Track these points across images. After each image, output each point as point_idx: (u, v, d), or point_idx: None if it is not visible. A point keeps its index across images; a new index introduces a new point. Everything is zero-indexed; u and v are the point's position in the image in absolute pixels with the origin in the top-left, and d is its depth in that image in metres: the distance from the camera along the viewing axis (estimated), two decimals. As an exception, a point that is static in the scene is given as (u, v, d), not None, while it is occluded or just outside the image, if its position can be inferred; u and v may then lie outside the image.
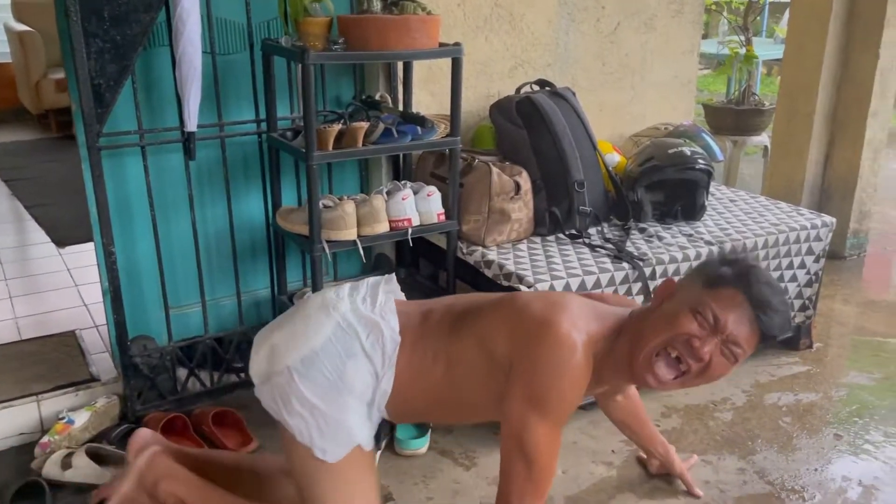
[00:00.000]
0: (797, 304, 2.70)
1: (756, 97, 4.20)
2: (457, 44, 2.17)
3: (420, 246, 2.50)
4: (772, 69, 8.97)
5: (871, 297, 3.37)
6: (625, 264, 2.25)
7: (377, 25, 2.03)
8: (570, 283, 2.14)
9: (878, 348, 2.88)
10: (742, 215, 2.70)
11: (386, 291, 1.60)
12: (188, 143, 2.09)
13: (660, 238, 2.46)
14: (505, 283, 2.19)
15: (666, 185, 2.63)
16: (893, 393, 2.56)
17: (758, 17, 8.50)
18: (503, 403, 1.43)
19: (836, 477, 2.09)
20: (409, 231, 2.22)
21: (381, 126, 2.13)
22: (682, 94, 3.21)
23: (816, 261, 2.68)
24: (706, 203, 2.63)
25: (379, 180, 2.57)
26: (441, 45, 2.18)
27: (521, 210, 2.38)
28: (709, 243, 2.42)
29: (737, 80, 4.17)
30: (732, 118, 4.14)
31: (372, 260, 2.67)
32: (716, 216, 2.68)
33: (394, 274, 1.72)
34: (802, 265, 2.65)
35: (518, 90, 2.63)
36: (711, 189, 3.01)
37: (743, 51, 4.06)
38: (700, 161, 2.52)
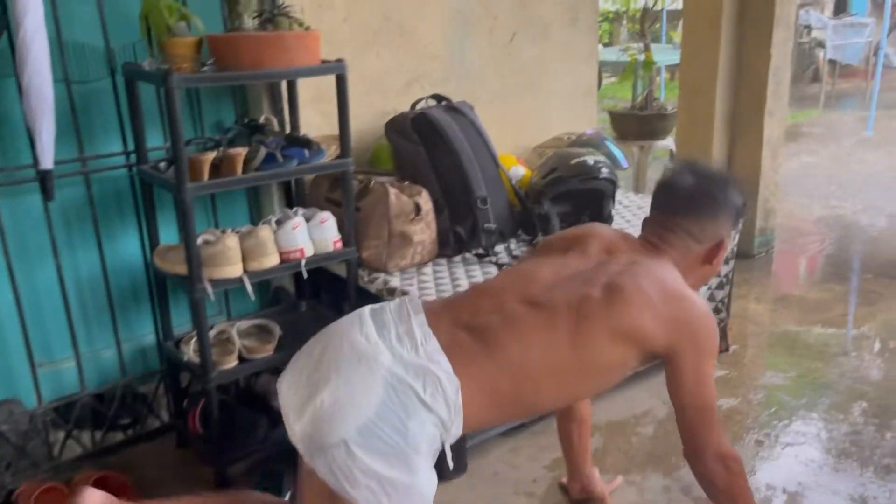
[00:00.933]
0: (710, 307, 2.67)
1: (658, 102, 4.23)
2: (339, 60, 2.03)
3: (320, 276, 2.34)
4: (674, 74, 9.25)
5: (782, 292, 3.40)
6: (534, 282, 2.15)
7: (250, 44, 1.87)
8: (478, 305, 2.03)
9: (792, 345, 2.89)
10: (650, 222, 2.66)
11: (419, 324, 1.41)
12: (44, 181, 1.87)
13: (569, 251, 2.38)
14: (409, 311, 2.05)
15: (571, 197, 2.56)
16: (808, 388, 2.55)
17: (657, 24, 8.77)
18: (674, 380, 1.46)
19: (760, 486, 2.03)
20: (303, 262, 2.06)
21: (263, 151, 1.96)
22: (585, 103, 3.17)
23: (726, 262, 2.65)
24: (613, 212, 2.57)
25: (271, 209, 2.40)
26: (323, 61, 2.04)
27: (424, 232, 2.26)
28: (618, 253, 2.36)
29: (640, 86, 4.20)
30: (637, 124, 4.16)
31: (269, 294, 2.49)
32: (624, 224, 2.63)
33: (411, 297, 1.53)
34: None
35: (413, 106, 2.51)
36: (620, 197, 2.98)
37: (642, 57, 4.08)
38: (604, 170, 2.46)
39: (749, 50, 3.54)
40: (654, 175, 5.06)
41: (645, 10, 4.15)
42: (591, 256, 1.54)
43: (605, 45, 9.59)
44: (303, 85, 2.31)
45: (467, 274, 2.22)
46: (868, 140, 6.34)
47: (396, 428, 1.29)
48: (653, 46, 4.55)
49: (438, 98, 2.53)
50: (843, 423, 2.33)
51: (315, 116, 2.40)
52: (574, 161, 2.47)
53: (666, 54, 5.95)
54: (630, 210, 2.81)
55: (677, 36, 4.47)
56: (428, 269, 2.26)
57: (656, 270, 1.48)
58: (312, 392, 1.34)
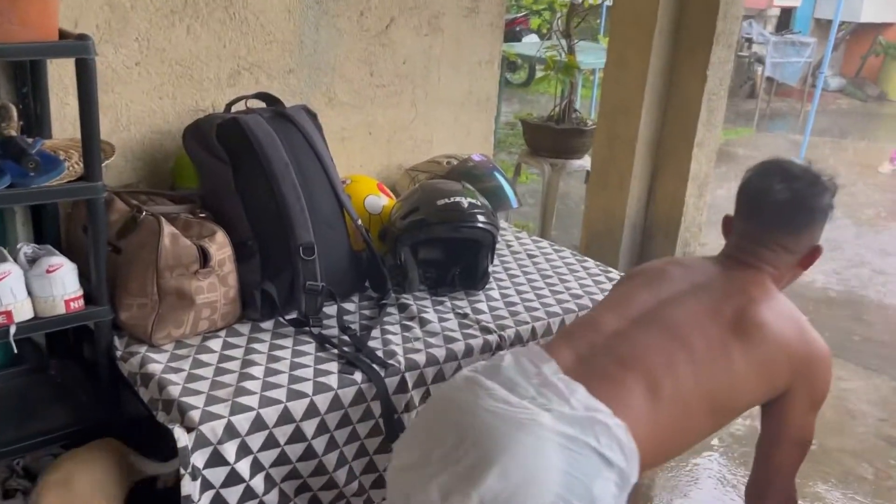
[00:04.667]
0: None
1: (578, 115, 3.67)
2: (82, 36, 1.35)
3: (80, 329, 1.68)
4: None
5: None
6: (358, 374, 1.54)
7: None
8: (264, 414, 1.41)
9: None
10: (538, 281, 2.08)
11: (554, 372, 1.27)
12: None
13: (423, 323, 1.78)
14: (162, 418, 1.41)
15: (439, 244, 1.97)
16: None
17: (596, 21, 8.24)
18: (781, 417, 1.40)
19: None
20: (12, 330, 1.40)
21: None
22: (479, 115, 2.56)
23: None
24: (490, 269, 1.98)
25: (15, 239, 1.71)
26: (63, 35, 1.37)
27: (216, 289, 1.61)
28: (486, 330, 1.77)
29: (558, 93, 3.61)
30: (552, 138, 3.59)
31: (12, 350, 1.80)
32: (505, 283, 2.05)
33: (527, 347, 1.37)
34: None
35: (229, 107, 1.85)
36: (511, 237, 2.40)
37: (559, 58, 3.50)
38: (480, 218, 1.87)
39: (683, 68, 3.01)
40: (575, 190, 4.51)
41: (572, 6, 3.56)
42: (687, 280, 1.45)
43: (542, 36, 9.05)
44: (56, 66, 1.61)
45: (270, 353, 1.59)
46: (799, 169, 5.99)
47: (583, 494, 1.16)
48: (585, 46, 3.98)
49: (266, 98, 1.87)
50: None
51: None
52: (442, 202, 1.86)
53: (597, 55, 5.41)
54: (518, 260, 2.22)
55: (604, 40, 3.90)
56: (216, 343, 1.62)
57: (780, 300, 1.42)
58: (464, 486, 1.14)
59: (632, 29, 2.99)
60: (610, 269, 2.22)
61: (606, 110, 3.16)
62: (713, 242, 3.84)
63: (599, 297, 1.99)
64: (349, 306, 1.85)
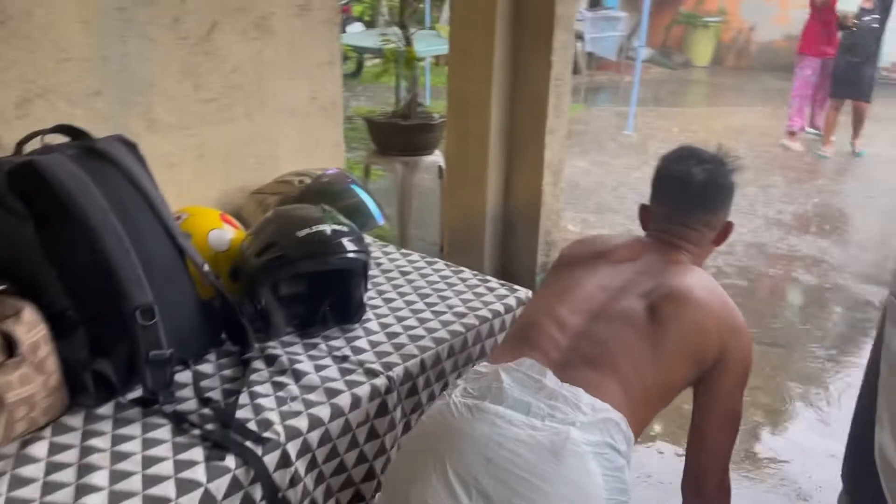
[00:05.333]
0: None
1: (423, 109, 3.51)
2: None
3: None
4: (440, 59, 8.72)
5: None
6: (230, 458, 1.28)
7: None
8: (117, 538, 1.12)
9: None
10: (418, 303, 1.90)
11: (554, 382, 1.28)
12: None
13: (298, 376, 1.53)
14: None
15: (304, 278, 1.73)
16: None
17: (421, 4, 8.12)
18: (712, 391, 1.41)
19: None
20: None
21: None
22: (326, 123, 2.32)
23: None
24: (364, 298, 1.77)
25: None
26: None
27: (31, 380, 1.28)
28: (372, 373, 1.56)
29: (398, 86, 3.43)
30: (400, 135, 3.41)
31: None
32: (382, 310, 1.84)
33: (518, 362, 1.33)
34: (500, 363, 1.94)
35: (20, 146, 1.49)
36: (378, 252, 2.20)
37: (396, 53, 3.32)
38: (348, 245, 1.64)
39: (528, 54, 2.93)
40: (421, 198, 4.34)
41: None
42: (624, 264, 1.51)
43: (368, 24, 8.82)
44: None
45: (113, 449, 1.28)
46: (630, 141, 6.24)
47: (620, 491, 1.23)
48: (417, 33, 3.81)
49: (68, 131, 1.53)
50: None
51: None
52: (303, 233, 1.61)
53: (431, 42, 5.28)
54: (391, 280, 2.02)
55: (442, 28, 3.76)
56: (40, 449, 1.28)
57: (706, 276, 1.48)
58: None
59: (472, 15, 2.87)
60: (489, 278, 2.08)
61: (455, 105, 3.03)
62: (563, 221, 3.86)
63: (484, 312, 1.85)
64: (206, 368, 1.56)
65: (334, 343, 1.68)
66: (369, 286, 1.92)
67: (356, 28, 7.98)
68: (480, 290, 1.99)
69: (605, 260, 1.52)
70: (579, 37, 8.59)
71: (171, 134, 1.89)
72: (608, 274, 1.48)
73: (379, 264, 2.12)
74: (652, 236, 1.57)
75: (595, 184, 4.97)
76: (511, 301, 1.94)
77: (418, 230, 3.97)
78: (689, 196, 1.52)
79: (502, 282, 2.05)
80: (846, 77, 5.63)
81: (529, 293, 2.01)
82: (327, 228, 1.64)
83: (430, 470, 1.21)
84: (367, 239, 2.25)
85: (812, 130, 6.25)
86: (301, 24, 2.16)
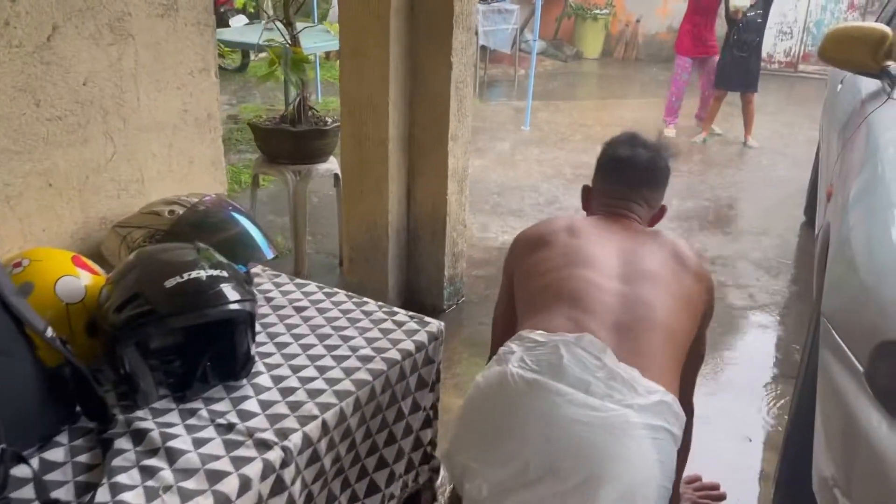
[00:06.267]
0: (414, 458, 1.79)
1: (315, 113, 3.24)
2: None
3: None
4: (330, 54, 8.36)
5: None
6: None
7: None
8: None
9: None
10: (316, 346, 1.67)
11: (613, 361, 1.29)
12: None
13: (173, 456, 1.27)
14: None
15: (178, 333, 1.46)
16: None
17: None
18: (700, 336, 1.58)
19: None
20: None
21: None
22: (202, 139, 2.04)
23: (431, 390, 1.80)
24: (252, 349, 1.52)
25: None
26: None
27: None
28: (264, 445, 1.32)
29: (286, 88, 3.13)
30: (290, 143, 3.13)
31: None
32: (274, 358, 1.60)
33: (578, 336, 1.32)
34: (416, 406, 1.74)
35: None
36: (268, 284, 1.95)
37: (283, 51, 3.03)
38: (228, 294, 1.39)
39: (425, 57, 2.73)
40: (322, 211, 4.02)
41: (288, -10, 3.08)
42: (604, 234, 1.59)
43: (252, 15, 8.34)
44: None
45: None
46: (528, 137, 6.17)
47: (671, 473, 1.28)
48: (304, 29, 3.49)
49: None
50: None
51: None
52: (172, 283, 1.35)
53: (320, 38, 4.97)
54: (285, 319, 1.78)
55: (331, 26, 3.48)
56: None
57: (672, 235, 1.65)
58: (579, 501, 1.19)
59: (364, 15, 2.63)
60: (396, 310, 1.87)
61: (349, 109, 2.79)
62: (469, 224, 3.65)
63: (393, 353, 1.64)
64: (55, 454, 1.27)
65: (217, 407, 1.43)
66: (258, 326, 1.68)
67: (240, 21, 7.52)
68: (387, 325, 1.79)
69: (584, 233, 1.57)
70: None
71: (7, 160, 1.56)
72: (601, 243, 1.53)
73: (269, 299, 1.87)
74: (601, 212, 1.69)
75: (496, 184, 4.84)
76: (422, 337, 1.74)
77: (315, 242, 3.70)
78: (635, 173, 1.68)
79: (411, 314, 1.85)
80: (734, 70, 5.77)
81: (442, 325, 1.82)
82: (202, 274, 1.38)
83: (490, 446, 1.27)
84: (255, 268, 1.99)
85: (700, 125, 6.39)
86: (166, 27, 1.86)
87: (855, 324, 1.46)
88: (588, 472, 1.19)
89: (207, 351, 1.47)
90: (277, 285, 1.96)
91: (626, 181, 1.68)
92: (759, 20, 5.78)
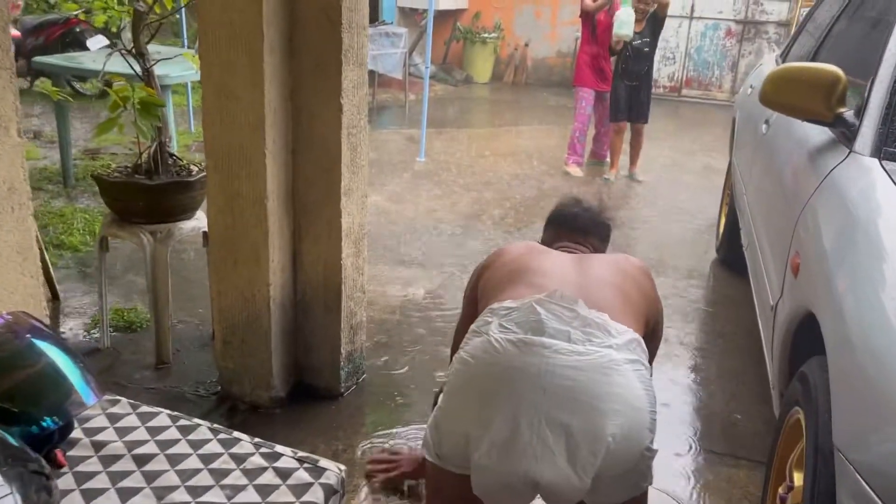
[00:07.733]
0: None
1: (175, 161, 2.69)
2: None
3: None
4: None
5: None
6: None
7: None
8: None
9: None
10: (163, 530, 1.17)
11: (585, 309, 1.43)
12: None
13: None
14: None
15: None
16: None
17: (175, 17, 7.02)
18: (658, 325, 1.73)
19: None
20: None
21: None
22: (2, 221, 1.48)
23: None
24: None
25: None
26: None
27: None
28: None
29: (140, 136, 2.55)
30: (146, 198, 2.57)
31: None
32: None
33: (549, 294, 1.47)
34: None
35: None
36: (101, 419, 1.42)
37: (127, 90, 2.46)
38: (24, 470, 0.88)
39: (311, 97, 2.27)
40: (181, 272, 3.33)
41: (136, 13, 2.53)
42: (563, 255, 1.73)
43: (114, 36, 7.53)
44: None
45: None
46: (424, 169, 5.78)
47: (654, 400, 1.40)
48: (166, 51, 2.93)
49: None
50: None
51: None
52: None
53: (187, 66, 4.37)
54: (120, 479, 1.26)
55: (191, 58, 2.93)
56: None
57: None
58: (588, 442, 1.30)
59: (233, 48, 2.14)
60: (279, 451, 1.39)
61: (216, 161, 2.29)
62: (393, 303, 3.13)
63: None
64: None
65: None
66: (76, 496, 1.16)
67: (98, 43, 6.72)
68: (266, 478, 1.31)
69: (542, 250, 1.72)
70: (360, 54, 8.04)
71: None
72: (557, 259, 1.67)
73: (99, 445, 1.35)
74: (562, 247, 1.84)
75: (394, 226, 4.41)
76: (316, 496, 1.28)
77: (185, 309, 3.12)
78: (585, 223, 1.91)
79: (301, 455, 1.38)
80: (625, 101, 5.63)
81: (343, 473, 1.36)
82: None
83: (490, 411, 1.31)
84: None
85: (594, 161, 6.19)
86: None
87: (887, 462, 1.13)
88: (586, 411, 1.30)
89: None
90: (113, 420, 1.43)
91: (579, 229, 1.89)
92: (647, 49, 5.67)
